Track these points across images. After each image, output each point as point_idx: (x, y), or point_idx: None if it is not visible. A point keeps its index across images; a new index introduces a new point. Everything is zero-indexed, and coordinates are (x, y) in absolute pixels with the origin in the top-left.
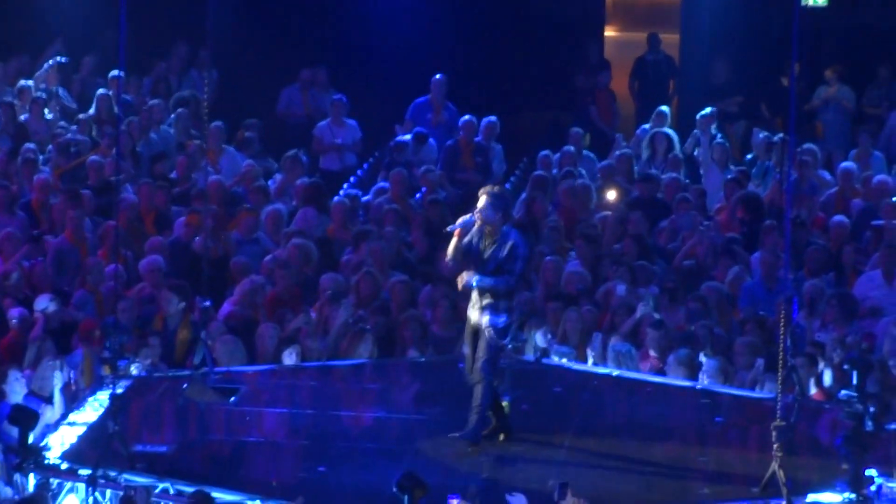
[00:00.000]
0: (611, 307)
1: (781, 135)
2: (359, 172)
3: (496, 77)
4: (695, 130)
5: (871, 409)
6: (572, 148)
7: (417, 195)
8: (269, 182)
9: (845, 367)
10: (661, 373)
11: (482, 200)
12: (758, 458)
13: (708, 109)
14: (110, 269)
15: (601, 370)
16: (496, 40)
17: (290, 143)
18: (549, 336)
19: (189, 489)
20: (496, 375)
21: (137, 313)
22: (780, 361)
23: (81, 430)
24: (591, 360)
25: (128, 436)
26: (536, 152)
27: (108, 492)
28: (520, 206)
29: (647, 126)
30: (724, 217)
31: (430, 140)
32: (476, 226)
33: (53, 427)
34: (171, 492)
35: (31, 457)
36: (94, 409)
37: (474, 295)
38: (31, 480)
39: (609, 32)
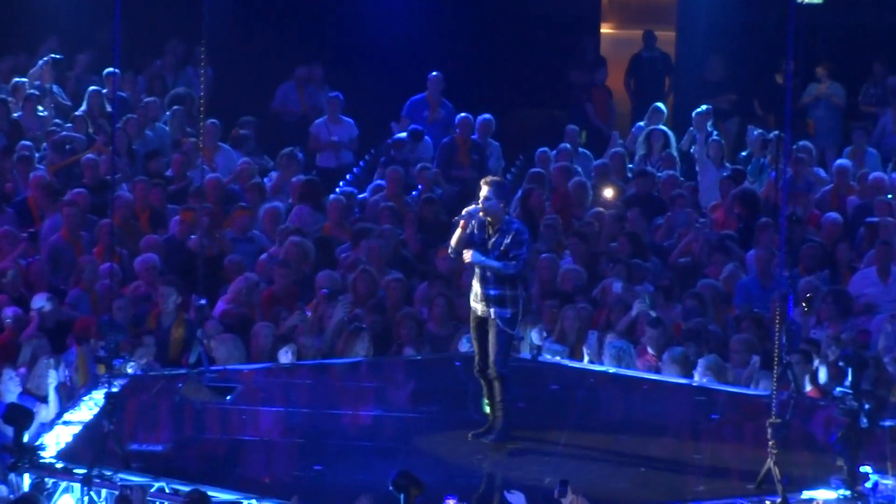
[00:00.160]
0: (607, 305)
1: (777, 132)
2: (355, 170)
3: (492, 74)
4: (690, 128)
5: (866, 406)
6: (568, 145)
7: (414, 193)
8: (265, 180)
9: (840, 364)
10: (657, 370)
11: (484, 190)
12: (753, 454)
13: (704, 107)
14: (105, 268)
15: (597, 368)
16: (492, 37)
17: (285, 140)
18: (545, 334)
19: (185, 488)
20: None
21: (133, 312)
22: (776, 358)
23: (77, 429)
24: (586, 358)
25: (123, 435)
26: (533, 150)
27: (104, 491)
28: (516, 204)
29: (642, 123)
30: (720, 214)
31: (426, 137)
32: (479, 216)
33: (48, 426)
34: (167, 491)
35: (26, 456)
36: (89, 408)
37: (476, 287)
38: (27, 480)
39: (605, 29)
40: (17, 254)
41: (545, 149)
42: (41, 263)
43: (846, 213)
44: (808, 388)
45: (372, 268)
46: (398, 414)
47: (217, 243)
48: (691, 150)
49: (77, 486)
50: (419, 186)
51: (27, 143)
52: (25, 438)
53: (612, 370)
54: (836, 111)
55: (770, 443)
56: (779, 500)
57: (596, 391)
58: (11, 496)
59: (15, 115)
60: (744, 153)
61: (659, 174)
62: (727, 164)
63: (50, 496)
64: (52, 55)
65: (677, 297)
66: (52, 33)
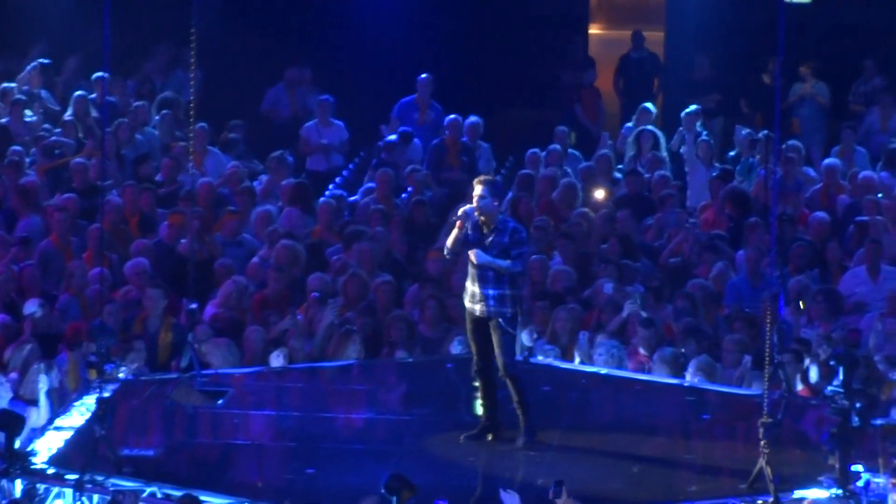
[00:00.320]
0: (598, 305)
1: (766, 132)
2: (344, 173)
3: (481, 75)
4: (680, 128)
5: (857, 405)
6: (558, 146)
7: (403, 195)
8: (255, 183)
9: (831, 363)
10: (649, 371)
11: (478, 189)
12: (745, 454)
13: (693, 107)
14: (95, 273)
15: (589, 369)
16: (481, 39)
17: (275, 143)
18: (535, 335)
19: (177, 493)
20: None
21: (123, 316)
22: (767, 358)
23: (68, 434)
24: (577, 359)
25: (115, 440)
26: (522, 151)
27: (96, 496)
28: (506, 206)
29: (630, 124)
30: (710, 214)
31: (416, 140)
32: (474, 215)
33: (40, 432)
34: (159, 496)
35: (17, 462)
36: (80, 413)
37: (473, 288)
38: (18, 486)
39: (594, 30)
40: (7, 259)
41: (535, 150)
42: (33, 269)
43: (836, 212)
44: (800, 387)
45: (362, 271)
46: (390, 416)
47: (207, 247)
48: (681, 151)
49: (69, 491)
50: (409, 189)
51: (17, 147)
52: (17, 444)
53: (603, 371)
54: (821, 110)
55: (762, 442)
56: (771, 499)
57: (588, 392)
58: (4, 502)
59: (2, 120)
60: (732, 153)
61: (648, 175)
62: (716, 164)
63: (42, 502)
64: (41, 60)
65: (668, 297)
66: (40, 38)
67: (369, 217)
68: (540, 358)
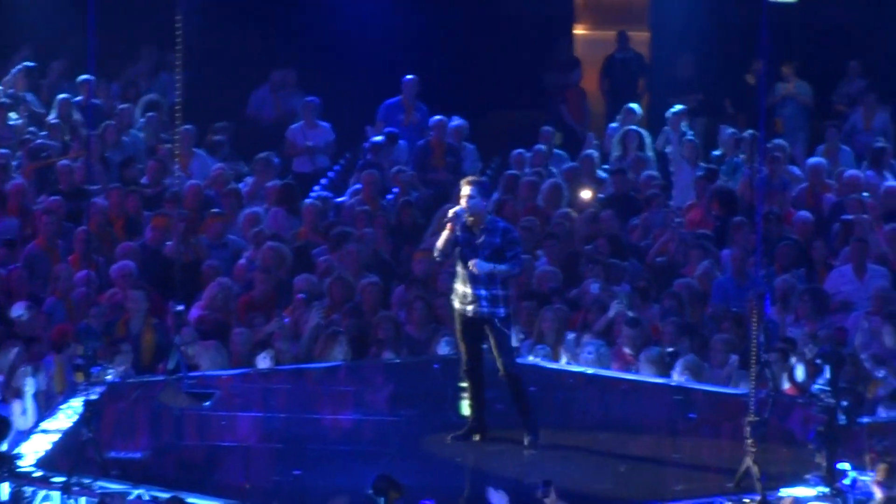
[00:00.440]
0: (584, 305)
1: (752, 131)
2: (330, 174)
3: (467, 76)
4: (665, 127)
5: (844, 403)
6: (543, 147)
7: (389, 196)
8: (241, 185)
9: (818, 361)
10: (635, 370)
11: (467, 189)
12: (732, 453)
13: (678, 106)
14: (81, 275)
15: (576, 369)
16: (466, 40)
17: (260, 145)
18: (522, 335)
19: (164, 495)
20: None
21: (109, 319)
22: (753, 357)
23: (55, 437)
24: (564, 359)
25: (102, 442)
26: (508, 151)
27: (83, 499)
28: (491, 206)
29: (615, 124)
30: (696, 213)
31: (401, 141)
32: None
33: (27, 435)
34: (146, 498)
35: (4, 465)
36: (67, 416)
37: (465, 289)
38: (5, 489)
39: (578, 31)
40: None
41: (521, 150)
42: (20, 271)
43: (822, 211)
44: (786, 385)
45: (347, 272)
46: (377, 417)
47: (193, 249)
48: (666, 150)
49: (56, 494)
50: (394, 189)
51: (3, 151)
52: (4, 447)
53: (590, 371)
54: (804, 110)
55: (748, 441)
56: (758, 497)
57: (575, 392)
58: None
59: None
60: (716, 152)
61: (633, 175)
62: (701, 164)
63: None
64: (26, 63)
65: (654, 297)
66: (25, 41)
67: (355, 218)
68: (531, 358)
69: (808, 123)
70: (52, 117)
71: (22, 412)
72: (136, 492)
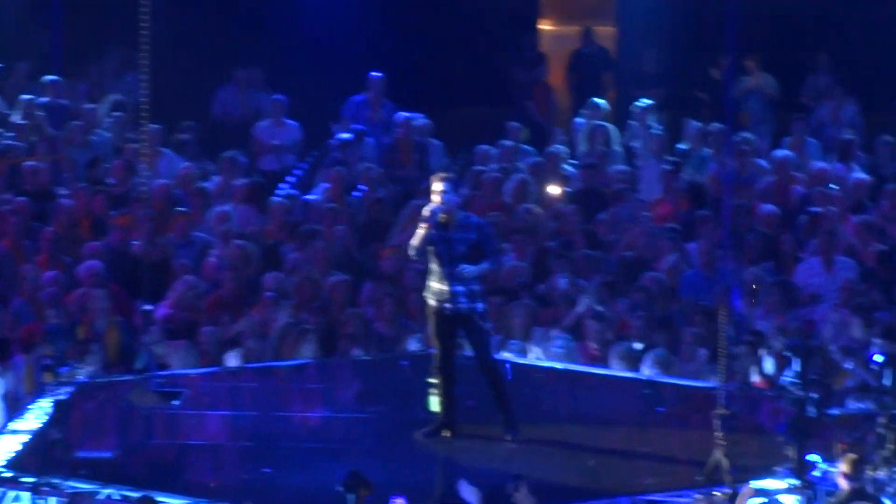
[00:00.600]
0: (553, 300)
1: (719, 125)
2: (297, 172)
3: (432, 73)
4: (631, 121)
5: (813, 396)
6: (510, 142)
7: (356, 193)
8: (208, 184)
9: (787, 353)
10: (603, 364)
11: (439, 186)
12: (701, 446)
13: (645, 101)
14: (49, 276)
15: (545, 363)
16: (431, 36)
17: (226, 144)
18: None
19: (134, 495)
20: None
21: (76, 319)
22: (721, 350)
23: (24, 437)
24: (533, 354)
25: (71, 442)
26: (474, 148)
27: (53, 499)
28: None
29: (581, 120)
30: (663, 207)
31: (368, 138)
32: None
33: None
34: (116, 497)
35: None
36: (36, 416)
37: (441, 286)
38: None
39: (544, 26)
40: None
41: (486, 146)
42: None
43: (789, 204)
44: (755, 378)
45: (314, 270)
46: (347, 414)
47: (160, 248)
48: (632, 145)
49: (26, 494)
50: (361, 187)
51: None
52: None
53: (558, 366)
54: (768, 103)
55: (717, 434)
56: (728, 490)
57: (544, 386)
58: None
59: None
60: (682, 146)
61: (601, 170)
62: (666, 157)
63: None
64: None
65: (622, 291)
66: None
67: (323, 215)
68: (504, 354)
69: (774, 116)
70: (17, 118)
71: None
72: (105, 491)
